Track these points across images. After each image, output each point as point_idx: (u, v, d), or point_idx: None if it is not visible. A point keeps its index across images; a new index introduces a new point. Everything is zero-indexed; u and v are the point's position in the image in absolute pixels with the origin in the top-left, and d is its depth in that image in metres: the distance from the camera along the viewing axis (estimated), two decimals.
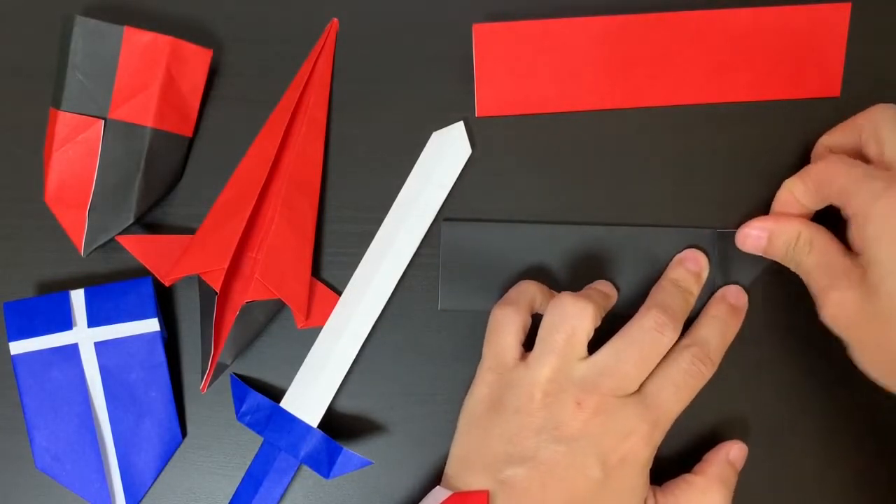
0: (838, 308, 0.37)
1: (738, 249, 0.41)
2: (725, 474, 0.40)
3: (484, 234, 0.42)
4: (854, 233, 0.37)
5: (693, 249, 0.42)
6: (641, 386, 0.38)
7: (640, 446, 0.37)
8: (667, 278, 0.41)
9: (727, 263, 0.42)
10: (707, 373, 0.39)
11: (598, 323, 0.38)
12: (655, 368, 0.38)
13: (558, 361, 0.37)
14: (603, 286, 0.41)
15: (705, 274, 0.41)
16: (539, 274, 0.42)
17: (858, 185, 0.37)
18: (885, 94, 0.43)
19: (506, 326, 0.39)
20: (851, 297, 0.37)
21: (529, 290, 0.40)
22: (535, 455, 0.37)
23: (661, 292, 0.40)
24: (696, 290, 0.41)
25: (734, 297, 0.41)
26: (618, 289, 0.42)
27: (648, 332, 0.38)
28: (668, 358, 0.39)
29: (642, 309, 0.39)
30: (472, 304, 0.42)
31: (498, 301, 0.40)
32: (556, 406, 0.37)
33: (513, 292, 0.40)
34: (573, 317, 0.38)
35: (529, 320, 0.39)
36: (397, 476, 0.43)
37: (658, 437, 0.38)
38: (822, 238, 0.39)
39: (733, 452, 0.41)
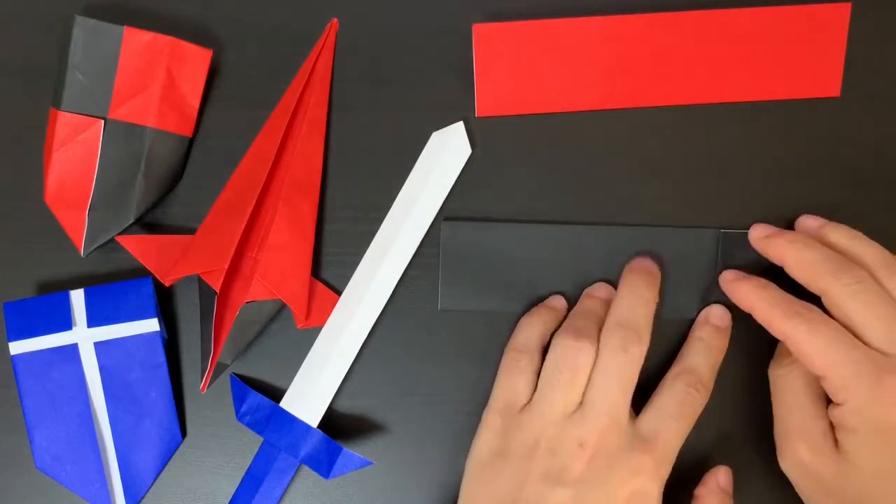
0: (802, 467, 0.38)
1: (742, 250, 0.41)
2: (725, 503, 0.40)
3: (484, 233, 0.42)
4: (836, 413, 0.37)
5: (640, 257, 0.42)
6: (639, 421, 0.38)
7: (647, 483, 0.37)
8: (622, 285, 0.41)
9: (731, 263, 0.41)
10: (701, 399, 0.39)
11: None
12: (650, 401, 0.39)
13: (561, 404, 0.38)
14: (600, 291, 0.41)
15: (658, 272, 0.41)
16: (540, 274, 0.42)
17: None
18: (886, 94, 0.43)
19: (519, 372, 0.40)
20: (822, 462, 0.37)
21: (536, 330, 0.40)
22: (543, 501, 0.37)
23: (617, 302, 0.40)
24: (654, 291, 0.40)
25: (718, 318, 0.41)
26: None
27: (619, 357, 0.38)
28: (661, 389, 0.39)
29: (605, 328, 0.39)
30: (473, 305, 0.42)
31: (509, 344, 0.41)
32: (559, 449, 0.37)
33: (521, 336, 0.41)
34: (574, 358, 0.38)
35: (540, 362, 0.40)
36: (397, 476, 0.43)
37: (664, 472, 0.38)
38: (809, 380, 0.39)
39: (722, 479, 0.41)
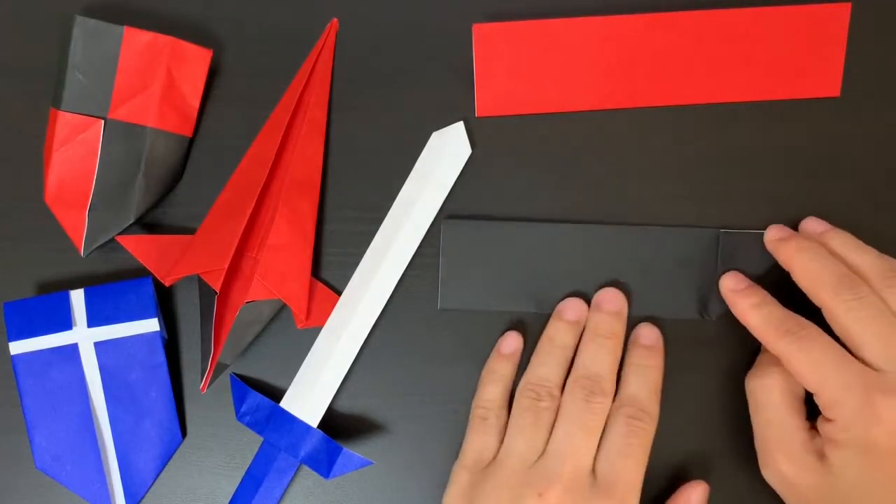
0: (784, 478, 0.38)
1: (742, 250, 0.41)
2: None
3: (485, 232, 0.42)
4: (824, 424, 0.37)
5: (607, 289, 0.42)
6: (595, 466, 0.38)
7: None
8: (588, 331, 0.41)
9: (731, 263, 0.41)
10: (647, 426, 0.39)
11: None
12: (600, 442, 0.39)
13: (525, 451, 0.38)
14: (569, 313, 0.41)
15: (625, 308, 0.41)
16: (540, 273, 0.42)
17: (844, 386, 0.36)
18: (886, 94, 0.43)
19: (487, 428, 0.40)
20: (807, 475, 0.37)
21: (499, 385, 0.41)
22: None
23: (583, 353, 0.40)
24: (619, 329, 0.41)
25: (646, 337, 0.41)
26: (627, 293, 0.42)
27: (581, 408, 0.38)
28: (607, 428, 0.39)
29: (570, 381, 0.40)
30: (473, 304, 0.42)
31: (475, 401, 0.41)
32: (521, 501, 0.37)
33: (486, 392, 0.41)
34: (535, 409, 0.39)
35: (507, 416, 0.40)
36: (397, 476, 0.43)
37: None
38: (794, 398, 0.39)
39: (695, 498, 0.40)
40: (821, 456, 0.37)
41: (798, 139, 0.43)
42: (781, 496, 0.39)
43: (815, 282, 0.38)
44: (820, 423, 0.37)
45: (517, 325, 0.43)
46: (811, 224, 0.41)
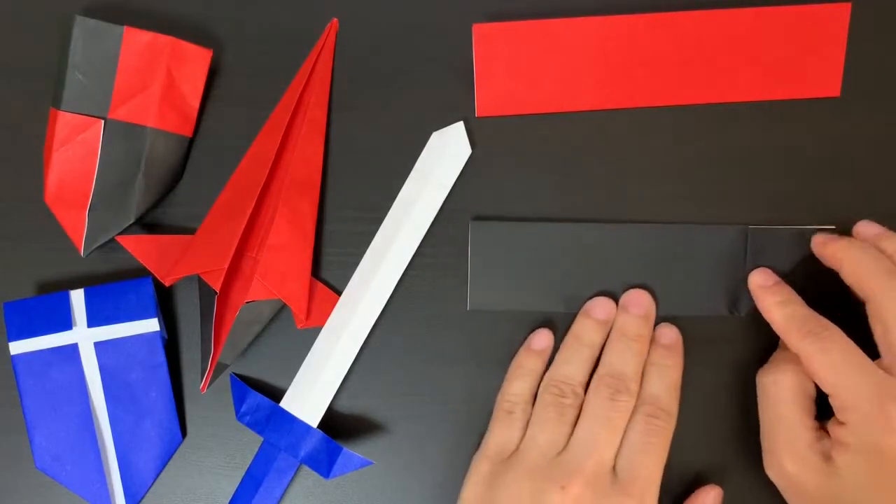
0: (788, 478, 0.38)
1: (771, 247, 0.41)
2: None
3: (513, 233, 0.42)
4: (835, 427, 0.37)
5: (635, 290, 0.42)
6: (616, 463, 0.38)
7: None
8: (615, 331, 0.41)
9: (760, 260, 0.41)
10: (666, 425, 0.39)
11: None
12: (621, 440, 0.39)
13: (546, 445, 0.38)
14: (598, 312, 0.41)
15: (653, 311, 0.41)
16: (567, 273, 0.42)
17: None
18: (886, 94, 0.43)
19: (512, 421, 0.40)
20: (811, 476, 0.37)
21: (527, 380, 0.41)
22: None
23: (609, 352, 0.41)
24: (646, 331, 0.41)
25: (666, 337, 0.41)
26: (655, 290, 0.42)
27: (606, 405, 0.39)
28: (628, 426, 0.39)
29: (595, 379, 0.40)
30: (501, 304, 0.42)
31: (501, 394, 0.41)
32: (543, 493, 0.37)
33: (514, 385, 0.41)
34: (559, 405, 0.39)
35: (532, 409, 0.41)
36: (397, 476, 0.43)
37: None
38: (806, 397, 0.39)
39: (710, 502, 0.40)
40: (826, 457, 0.37)
41: (798, 139, 0.43)
42: (783, 494, 0.39)
43: (866, 273, 0.38)
44: (831, 426, 0.37)
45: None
46: (865, 227, 0.41)
